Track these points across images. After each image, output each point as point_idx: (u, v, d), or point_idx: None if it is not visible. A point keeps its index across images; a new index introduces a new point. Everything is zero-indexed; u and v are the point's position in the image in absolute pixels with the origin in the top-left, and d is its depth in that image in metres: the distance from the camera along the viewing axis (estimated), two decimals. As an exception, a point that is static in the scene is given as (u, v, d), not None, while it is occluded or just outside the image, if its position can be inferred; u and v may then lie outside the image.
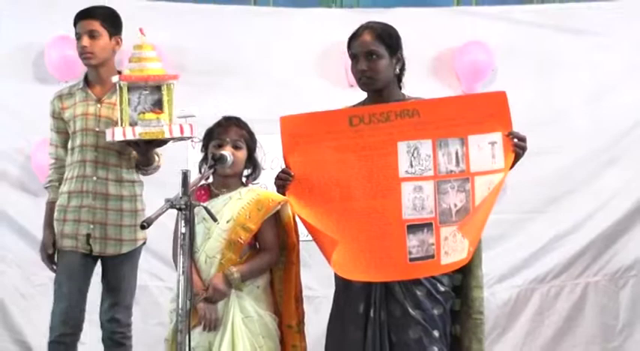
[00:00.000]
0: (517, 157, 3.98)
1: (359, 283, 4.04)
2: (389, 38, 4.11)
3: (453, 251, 3.92)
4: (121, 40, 4.90)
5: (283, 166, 4.14)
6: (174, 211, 3.69)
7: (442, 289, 4.05)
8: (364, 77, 4.14)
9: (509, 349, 6.48)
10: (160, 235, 4.60)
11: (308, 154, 4.10)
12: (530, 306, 6.55)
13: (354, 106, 4.29)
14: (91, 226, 4.82)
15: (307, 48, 6.51)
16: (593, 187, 6.49)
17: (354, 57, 4.16)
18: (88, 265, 4.92)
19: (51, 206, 4.96)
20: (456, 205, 3.94)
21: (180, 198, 3.62)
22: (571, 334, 6.53)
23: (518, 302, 6.54)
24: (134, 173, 4.92)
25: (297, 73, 6.51)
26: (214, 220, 3.95)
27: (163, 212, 3.57)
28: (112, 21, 4.88)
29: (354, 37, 4.17)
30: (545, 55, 6.57)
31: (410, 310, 3.98)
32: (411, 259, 3.94)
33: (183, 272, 3.61)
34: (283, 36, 6.57)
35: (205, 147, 4.38)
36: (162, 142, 4.72)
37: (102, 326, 4.95)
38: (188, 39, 6.53)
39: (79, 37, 4.82)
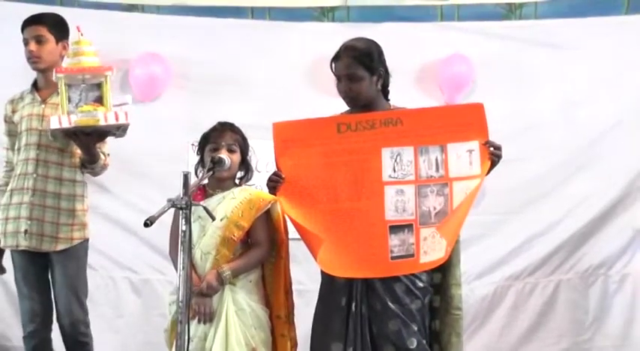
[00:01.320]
0: (493, 165, 4.02)
1: (342, 278, 4.07)
2: (368, 59, 4.12)
3: (432, 251, 3.96)
4: (68, 44, 4.76)
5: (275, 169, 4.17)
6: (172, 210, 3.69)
7: (420, 284, 4.08)
8: (347, 98, 4.19)
9: (486, 341, 6.47)
10: (162, 232, 4.58)
11: (298, 158, 4.14)
12: (507, 301, 6.54)
13: (342, 113, 4.31)
14: (29, 222, 4.68)
15: (300, 59, 6.51)
16: (565, 191, 6.47)
17: (337, 77, 4.19)
18: (38, 261, 4.78)
19: None
20: (435, 208, 3.99)
21: (181, 198, 3.62)
22: (544, 327, 6.51)
23: (495, 297, 6.53)
24: (77, 173, 4.76)
25: (291, 83, 6.50)
26: (212, 218, 3.95)
27: (165, 211, 3.57)
28: (58, 27, 4.79)
29: (336, 59, 4.18)
30: (522, 68, 6.55)
31: (389, 304, 4.02)
32: (393, 258, 3.99)
33: (183, 267, 3.61)
34: (278, 48, 6.56)
35: (201, 150, 4.41)
36: (102, 135, 4.57)
37: (59, 325, 4.81)
38: (190, 50, 6.51)
39: (26, 42, 4.75)
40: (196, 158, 4.51)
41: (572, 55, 6.56)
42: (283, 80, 6.52)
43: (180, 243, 3.65)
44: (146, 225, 3.43)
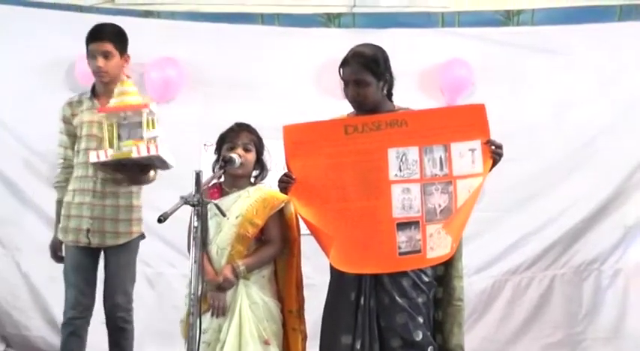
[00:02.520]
0: (494, 163, 3.99)
1: (351, 274, 4.03)
2: (375, 65, 4.07)
3: (438, 247, 3.93)
4: (129, 56, 4.83)
5: (286, 170, 4.14)
6: (190, 207, 3.66)
7: (426, 279, 4.05)
8: (354, 102, 4.15)
9: (484, 333, 6.46)
10: (176, 228, 4.53)
11: (307, 159, 4.10)
12: (504, 294, 6.54)
13: (348, 114, 4.27)
14: (91, 221, 4.74)
15: (308, 63, 6.50)
16: (560, 190, 6.46)
17: (345, 82, 4.15)
18: (92, 257, 4.83)
19: (59, 206, 4.90)
20: (440, 205, 3.95)
21: (194, 195, 3.61)
22: (539, 320, 6.51)
23: (493, 291, 6.53)
24: None
25: (298, 85, 6.50)
26: (223, 215, 3.95)
27: (178, 208, 3.57)
28: (121, 41, 4.81)
29: (344, 64, 4.14)
30: (519, 72, 6.55)
31: (397, 298, 3.98)
32: (400, 253, 3.95)
33: (195, 261, 3.61)
34: (287, 52, 6.56)
35: (218, 150, 4.38)
36: (143, 169, 4.65)
37: (105, 311, 4.85)
38: (203, 54, 6.53)
39: (93, 56, 4.75)
40: (209, 158, 4.50)
41: (566, 60, 6.56)
42: (291, 83, 6.52)
43: (192, 238, 3.64)
44: (159, 221, 3.44)
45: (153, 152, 4.42)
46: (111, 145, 4.43)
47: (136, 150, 4.40)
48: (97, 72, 4.76)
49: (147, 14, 6.61)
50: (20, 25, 6.44)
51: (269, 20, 6.68)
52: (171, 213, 3.50)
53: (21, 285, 6.41)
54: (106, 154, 4.44)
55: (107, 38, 4.75)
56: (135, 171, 4.63)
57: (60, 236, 4.85)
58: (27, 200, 6.42)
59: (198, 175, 3.67)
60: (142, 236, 4.94)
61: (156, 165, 4.64)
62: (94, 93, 4.87)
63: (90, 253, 4.82)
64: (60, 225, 4.85)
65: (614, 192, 6.48)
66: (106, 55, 4.72)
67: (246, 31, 6.61)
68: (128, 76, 4.56)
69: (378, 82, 4.10)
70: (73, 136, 4.87)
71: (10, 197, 6.45)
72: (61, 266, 6.11)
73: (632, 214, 6.50)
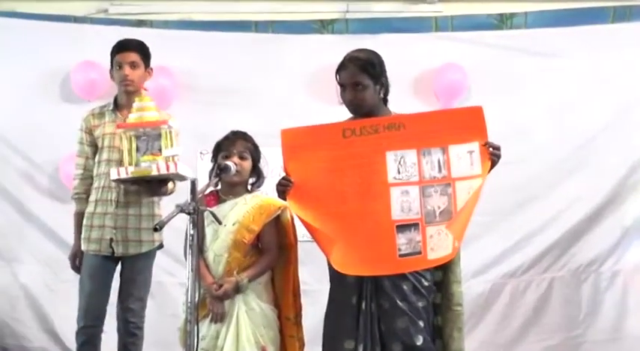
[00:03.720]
0: (493, 164, 3.96)
1: (352, 277, 4.00)
2: (372, 68, 4.06)
3: (439, 248, 3.89)
4: (152, 70, 4.90)
5: (283, 174, 4.08)
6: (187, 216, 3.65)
7: (426, 283, 4.02)
8: (352, 105, 4.12)
9: (483, 337, 6.37)
10: (174, 237, 4.59)
11: (306, 162, 4.05)
12: (502, 298, 6.46)
13: (346, 120, 4.21)
14: (114, 231, 4.75)
15: (303, 70, 6.45)
16: (557, 192, 6.40)
17: (342, 86, 4.12)
18: (109, 266, 4.84)
19: (78, 217, 4.89)
20: (439, 207, 3.91)
21: (189, 203, 3.60)
22: (538, 323, 6.44)
23: (491, 295, 6.45)
24: None
25: (294, 92, 6.44)
26: (219, 223, 3.98)
27: (174, 216, 3.56)
28: (146, 54, 4.87)
29: (341, 68, 4.12)
30: (513, 76, 6.47)
31: (398, 302, 3.95)
32: (401, 255, 3.91)
33: (192, 269, 3.58)
34: (281, 59, 6.50)
35: (215, 158, 4.36)
36: (162, 182, 4.63)
37: (117, 316, 4.86)
38: (197, 63, 6.47)
39: (120, 66, 4.78)
40: (205, 166, 4.49)
41: (560, 63, 6.49)
42: (286, 90, 6.46)
43: (189, 246, 3.63)
44: (155, 229, 3.54)
45: (172, 170, 4.43)
46: (129, 158, 4.44)
47: (156, 168, 4.42)
48: (124, 80, 4.79)
49: (140, 24, 6.54)
50: (14, 37, 6.38)
51: (263, 28, 6.62)
52: (168, 221, 3.51)
53: (20, 296, 6.34)
54: (127, 172, 4.45)
55: (134, 49, 4.82)
56: (153, 184, 4.64)
57: (83, 246, 4.83)
58: (25, 211, 6.37)
59: (193, 184, 3.66)
60: (161, 245, 4.94)
61: (174, 180, 4.66)
62: (117, 105, 4.89)
63: (109, 262, 4.83)
64: (82, 235, 4.84)
65: (612, 193, 6.42)
66: (133, 65, 4.79)
67: (240, 38, 6.56)
68: (146, 89, 4.59)
69: (375, 85, 4.08)
70: (94, 147, 4.88)
71: (8, 208, 6.39)
72: (58, 277, 6.13)
73: (630, 215, 6.43)
